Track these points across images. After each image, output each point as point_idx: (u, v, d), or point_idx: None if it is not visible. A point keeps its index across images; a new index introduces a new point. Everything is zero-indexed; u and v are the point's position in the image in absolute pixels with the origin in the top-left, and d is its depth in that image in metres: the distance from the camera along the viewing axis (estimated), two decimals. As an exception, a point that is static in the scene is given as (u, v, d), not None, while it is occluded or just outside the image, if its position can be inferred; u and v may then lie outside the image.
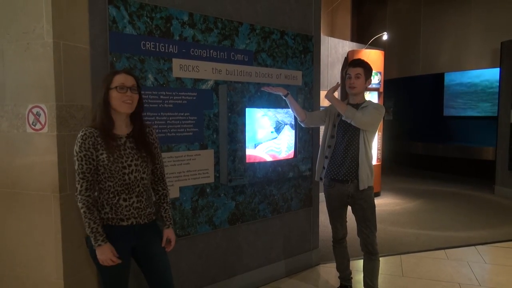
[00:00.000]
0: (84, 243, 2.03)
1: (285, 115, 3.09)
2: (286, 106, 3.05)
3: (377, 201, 6.29)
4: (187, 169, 2.59)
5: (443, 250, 3.95)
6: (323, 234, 4.37)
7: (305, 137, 3.23)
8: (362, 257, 2.81)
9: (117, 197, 1.80)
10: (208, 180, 2.70)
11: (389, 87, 9.15)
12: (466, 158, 8.56)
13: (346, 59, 6.39)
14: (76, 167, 1.75)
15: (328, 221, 2.92)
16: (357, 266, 3.53)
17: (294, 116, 3.12)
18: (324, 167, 2.75)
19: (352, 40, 8.01)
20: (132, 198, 1.83)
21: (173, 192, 2.52)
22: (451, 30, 8.26)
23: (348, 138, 2.63)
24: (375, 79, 6.29)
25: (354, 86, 2.63)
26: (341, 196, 2.71)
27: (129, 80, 1.79)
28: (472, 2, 7.92)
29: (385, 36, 6.98)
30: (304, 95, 3.18)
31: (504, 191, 6.47)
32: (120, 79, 1.77)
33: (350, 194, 2.67)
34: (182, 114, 2.53)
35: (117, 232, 1.81)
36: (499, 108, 6.60)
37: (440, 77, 9.84)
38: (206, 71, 2.64)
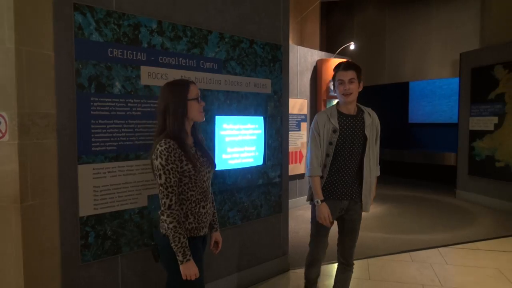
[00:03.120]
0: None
1: (254, 124, 3.13)
2: (255, 114, 3.09)
3: (346, 206, 6.46)
4: (156, 177, 2.56)
5: (407, 253, 4.09)
6: (292, 240, 4.42)
7: (274, 144, 3.28)
8: (331, 262, 2.80)
9: (198, 206, 1.85)
10: (177, 188, 2.69)
11: (358, 95, 9.42)
12: (430, 164, 8.91)
13: (315, 67, 6.54)
14: (163, 181, 1.70)
15: (309, 234, 2.65)
16: (326, 271, 3.60)
17: (264, 123, 3.16)
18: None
19: (321, 49, 8.19)
20: (208, 205, 1.91)
21: (141, 201, 2.49)
22: (414, 41, 8.62)
23: (349, 156, 2.39)
24: (343, 87, 6.47)
25: (349, 92, 2.33)
26: (335, 210, 2.46)
27: (198, 90, 1.85)
28: (433, 15, 8.31)
29: (352, 46, 7.19)
30: (273, 103, 3.23)
31: (465, 195, 6.77)
32: (195, 90, 1.82)
33: (344, 207, 2.48)
34: (151, 122, 2.52)
35: (197, 243, 1.86)
36: (459, 116, 6.93)
37: (405, 86, 10.23)
38: (175, 79, 2.63)
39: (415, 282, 3.39)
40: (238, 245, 3.18)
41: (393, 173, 9.87)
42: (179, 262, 1.73)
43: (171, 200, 1.71)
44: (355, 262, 3.87)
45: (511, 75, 5.82)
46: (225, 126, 2.88)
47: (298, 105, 6.21)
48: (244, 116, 3.02)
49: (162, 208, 1.73)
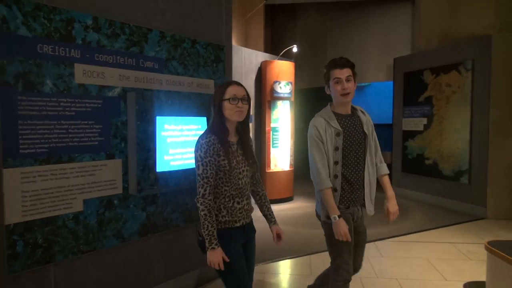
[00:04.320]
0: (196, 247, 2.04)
1: (197, 124, 3.10)
2: (198, 115, 3.07)
3: (290, 205, 6.63)
4: (92, 180, 2.45)
5: (347, 248, 4.29)
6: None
7: (217, 145, 3.27)
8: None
9: (232, 201, 1.93)
10: (115, 191, 2.59)
11: (301, 97, 9.69)
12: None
13: (259, 69, 6.63)
14: (200, 171, 1.84)
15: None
16: (272, 269, 3.66)
17: (207, 124, 3.14)
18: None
19: (265, 51, 8.33)
20: (243, 201, 1.98)
21: (76, 206, 2.36)
22: (353, 45, 9.06)
23: (356, 158, 2.23)
24: (287, 89, 6.63)
25: (348, 91, 2.16)
26: (351, 219, 2.26)
27: (240, 91, 1.90)
28: (370, 22, 8.78)
29: (294, 49, 7.38)
30: (216, 104, 3.22)
31: (399, 191, 7.23)
32: (232, 90, 1.89)
33: (358, 214, 2.31)
34: (86, 122, 2.40)
35: (233, 233, 1.94)
36: (393, 117, 7.39)
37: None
38: (113, 77, 2.54)
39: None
40: (181, 248, 3.13)
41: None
42: (206, 248, 1.84)
43: (205, 190, 1.84)
44: (297, 259, 4.02)
45: (438, 79, 6.32)
46: (166, 126, 2.82)
47: (243, 106, 6.25)
48: (187, 117, 2.98)
49: (197, 196, 1.86)
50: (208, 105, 3.13)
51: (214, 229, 1.84)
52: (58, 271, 2.33)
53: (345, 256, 2.23)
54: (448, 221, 5.42)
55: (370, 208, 2.31)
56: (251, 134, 6.42)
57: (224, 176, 1.89)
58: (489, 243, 2.99)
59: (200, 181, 1.85)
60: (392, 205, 2.34)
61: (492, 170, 5.49)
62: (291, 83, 6.71)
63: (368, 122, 2.29)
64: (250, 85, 6.46)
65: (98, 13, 2.46)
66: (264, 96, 6.57)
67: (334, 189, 2.20)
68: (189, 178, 3.00)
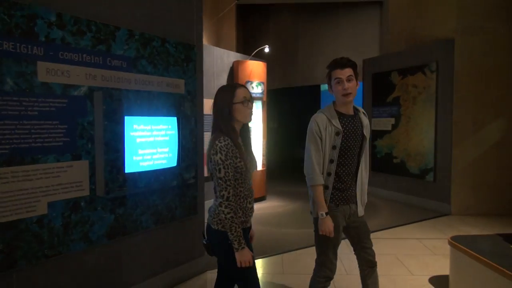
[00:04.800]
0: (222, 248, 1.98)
1: (167, 124, 3.06)
2: (168, 115, 3.03)
3: (263, 204, 6.65)
4: (57, 182, 2.37)
5: (318, 246, 4.35)
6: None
7: (188, 145, 3.24)
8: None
9: (245, 201, 1.97)
10: (82, 193, 2.51)
11: (273, 97, 9.76)
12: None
13: (232, 68, 6.61)
14: (222, 174, 1.82)
15: None
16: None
17: (177, 124, 3.11)
18: (325, 200, 2.24)
19: (237, 51, 8.32)
20: (252, 201, 2.04)
21: (40, 209, 2.28)
22: (325, 46, 9.21)
23: (350, 159, 2.25)
24: (259, 89, 6.65)
25: (349, 91, 2.15)
26: (344, 216, 2.29)
27: (247, 93, 1.95)
28: (340, 24, 8.96)
29: (266, 49, 7.42)
30: (187, 104, 3.19)
31: (369, 189, 7.34)
32: (242, 93, 1.92)
33: (352, 211, 2.31)
34: (50, 122, 2.31)
35: (245, 234, 1.98)
36: (363, 117, 7.55)
37: (317, 88, 10.86)
38: (79, 76, 2.47)
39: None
40: (151, 250, 3.08)
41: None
42: (234, 250, 1.84)
43: (228, 193, 1.84)
44: (269, 258, 4.04)
45: (405, 80, 6.52)
46: (135, 126, 2.77)
47: (215, 105, 6.21)
48: (156, 117, 2.94)
49: (220, 200, 1.84)
50: (178, 106, 3.10)
51: (241, 229, 1.85)
52: (20, 278, 2.24)
53: (330, 254, 2.27)
54: (415, 218, 5.61)
55: (359, 208, 2.33)
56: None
57: (240, 177, 1.92)
58: (452, 238, 3.12)
59: (222, 184, 1.83)
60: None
61: (455, 168, 5.72)
62: (263, 83, 6.74)
63: (367, 125, 2.31)
64: (222, 85, 6.42)
65: (62, 9, 2.38)
66: (236, 96, 6.55)
67: (326, 187, 2.22)
68: (159, 179, 2.96)
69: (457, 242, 3.01)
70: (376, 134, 7.12)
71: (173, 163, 3.12)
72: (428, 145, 6.13)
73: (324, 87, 10.70)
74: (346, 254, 4.10)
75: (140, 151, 2.82)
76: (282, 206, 6.62)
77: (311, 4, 9.15)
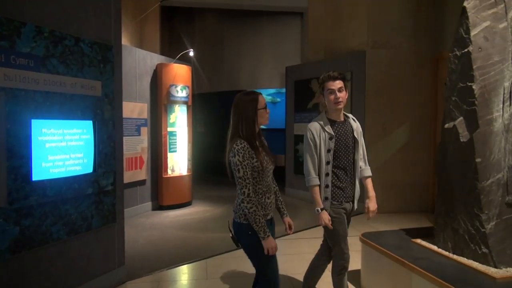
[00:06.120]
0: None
1: (82, 128, 2.89)
2: (83, 118, 2.86)
3: (189, 210, 6.57)
4: None
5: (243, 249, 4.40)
6: (132, 249, 4.25)
7: (105, 150, 3.09)
8: None
9: (264, 197, 2.17)
10: (-21, 204, 2.26)
11: (200, 101, 9.69)
12: (265, 165, 9.80)
13: (155, 71, 6.44)
14: (241, 174, 2.05)
15: None
16: (168, 276, 3.56)
17: (93, 128, 2.96)
18: (327, 198, 2.52)
19: (162, 53, 8.12)
20: (271, 196, 2.25)
21: None
22: (249, 52, 9.41)
23: (346, 160, 2.53)
24: (184, 93, 6.57)
25: (340, 101, 2.45)
26: (346, 212, 2.60)
27: (264, 100, 2.19)
28: (264, 31, 9.23)
29: (191, 53, 7.36)
30: (105, 107, 3.05)
31: (291, 191, 7.71)
32: (262, 100, 2.17)
33: (351, 208, 2.62)
34: None
35: (268, 225, 2.14)
36: (286, 122, 7.86)
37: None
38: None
39: (248, 276, 3.67)
40: (65, 263, 2.87)
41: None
42: (261, 239, 2.05)
43: (248, 190, 2.05)
44: (193, 264, 4.00)
45: (324, 88, 6.91)
46: (44, 130, 2.57)
47: (137, 109, 6.01)
48: (69, 120, 2.76)
49: (242, 197, 2.06)
50: (94, 109, 2.95)
51: (264, 221, 2.07)
52: None
53: (342, 244, 2.57)
54: (333, 217, 5.95)
55: (355, 205, 2.62)
56: (146, 138, 6.22)
57: (258, 176, 2.12)
58: (363, 234, 3.38)
59: (242, 183, 2.06)
60: (372, 204, 2.66)
61: (368, 169, 6.19)
62: (188, 87, 6.67)
63: (357, 129, 2.58)
64: (145, 88, 6.23)
65: (-45, -1, 2.14)
66: (160, 100, 6.40)
67: (326, 185, 2.51)
68: (72, 187, 2.78)
69: (366, 238, 3.27)
70: (298, 139, 7.44)
71: (89, 169, 2.95)
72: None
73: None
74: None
75: (50, 157, 2.62)
76: (208, 211, 6.59)
77: (235, 10, 9.29)
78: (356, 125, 2.60)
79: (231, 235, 2.24)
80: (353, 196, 2.61)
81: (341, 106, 2.49)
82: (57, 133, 2.67)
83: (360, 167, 2.64)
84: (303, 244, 4.64)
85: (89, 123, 2.92)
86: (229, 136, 2.17)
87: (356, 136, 2.56)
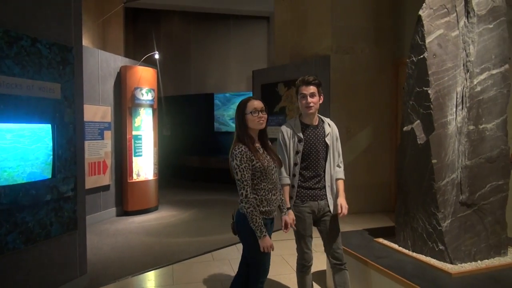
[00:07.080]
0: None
1: (39, 133, 2.78)
2: (40, 122, 2.75)
3: (155, 215, 6.45)
4: None
5: (210, 253, 4.37)
6: (95, 257, 4.12)
7: (65, 155, 2.98)
8: None
9: (269, 194, 2.29)
10: None
11: (166, 104, 9.56)
12: (233, 169, 9.78)
13: (119, 74, 6.29)
14: (239, 177, 2.17)
15: None
16: (133, 283, 3.47)
17: (52, 132, 2.85)
18: (291, 197, 2.57)
19: (126, 56, 7.94)
20: (277, 193, 2.36)
21: None
22: (216, 56, 9.40)
23: (315, 163, 2.56)
24: (149, 96, 6.46)
25: (311, 105, 2.50)
26: (314, 210, 2.59)
27: (258, 104, 2.26)
28: (230, 35, 9.25)
29: (156, 55, 7.25)
30: (64, 110, 2.94)
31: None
32: (252, 105, 2.24)
33: (322, 207, 2.59)
34: None
35: (267, 224, 2.29)
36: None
37: (210, 97, 10.98)
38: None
39: (215, 279, 3.66)
40: (21, 273, 2.74)
41: (201, 178, 10.40)
42: (257, 238, 2.17)
43: (246, 191, 2.17)
44: (159, 270, 3.93)
45: (289, 91, 7.02)
46: (-2, 135, 2.45)
47: (100, 112, 5.84)
48: (25, 124, 2.64)
49: (241, 198, 2.19)
50: (53, 112, 2.85)
51: (261, 220, 2.18)
52: None
53: (301, 243, 2.61)
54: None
55: (331, 206, 2.62)
56: (110, 142, 6.05)
57: (261, 175, 2.24)
58: (328, 235, 3.44)
59: (240, 185, 2.18)
60: (342, 200, 2.61)
61: (333, 171, 6.33)
62: (153, 90, 6.55)
63: (332, 134, 2.63)
64: (108, 91, 6.07)
65: None
66: (125, 103, 6.26)
67: (292, 186, 2.57)
68: (29, 193, 2.66)
69: (331, 238, 3.32)
70: (265, 142, 7.48)
71: (47, 175, 2.84)
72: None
73: (217, 96, 10.86)
74: (236, 259, 4.21)
75: (4, 163, 2.50)
76: (174, 215, 6.50)
77: (202, 13, 9.25)
78: (330, 129, 2.63)
79: (231, 222, 2.39)
80: (324, 195, 2.61)
81: (312, 111, 2.53)
82: (12, 137, 2.55)
83: (333, 170, 2.66)
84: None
85: (48, 127, 2.81)
86: (234, 140, 2.31)
87: (327, 141, 2.59)
